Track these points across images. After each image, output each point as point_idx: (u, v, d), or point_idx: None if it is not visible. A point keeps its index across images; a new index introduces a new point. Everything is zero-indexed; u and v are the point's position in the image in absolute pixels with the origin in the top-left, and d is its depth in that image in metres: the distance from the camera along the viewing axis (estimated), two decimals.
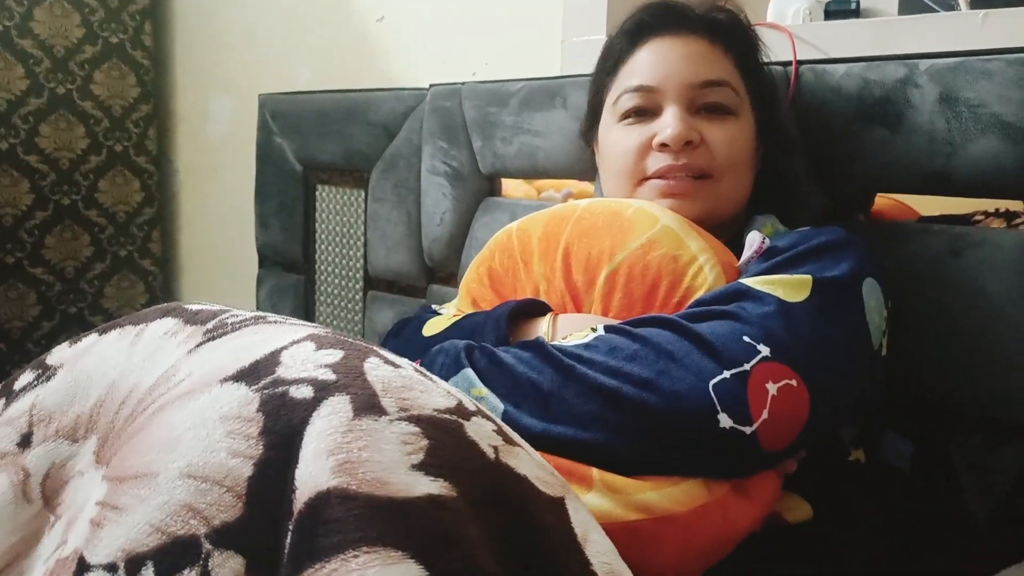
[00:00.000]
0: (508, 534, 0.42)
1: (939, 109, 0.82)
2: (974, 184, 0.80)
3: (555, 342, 0.68)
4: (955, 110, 0.81)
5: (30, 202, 1.85)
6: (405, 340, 0.85)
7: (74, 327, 1.91)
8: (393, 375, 0.45)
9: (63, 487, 0.47)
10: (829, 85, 0.89)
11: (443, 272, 1.32)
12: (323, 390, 0.43)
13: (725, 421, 0.60)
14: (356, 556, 0.37)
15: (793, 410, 0.62)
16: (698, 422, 0.60)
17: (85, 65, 1.90)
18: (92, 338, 0.54)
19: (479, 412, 0.47)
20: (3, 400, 0.53)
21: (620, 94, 0.85)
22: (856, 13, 1.13)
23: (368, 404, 0.42)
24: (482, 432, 0.45)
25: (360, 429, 0.41)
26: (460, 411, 0.45)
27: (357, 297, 1.48)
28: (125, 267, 2.02)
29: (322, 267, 1.55)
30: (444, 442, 0.42)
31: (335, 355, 0.45)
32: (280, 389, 0.43)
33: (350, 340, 0.48)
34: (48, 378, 0.52)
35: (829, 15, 1.13)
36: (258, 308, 1.64)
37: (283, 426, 0.41)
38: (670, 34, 0.84)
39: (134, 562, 0.40)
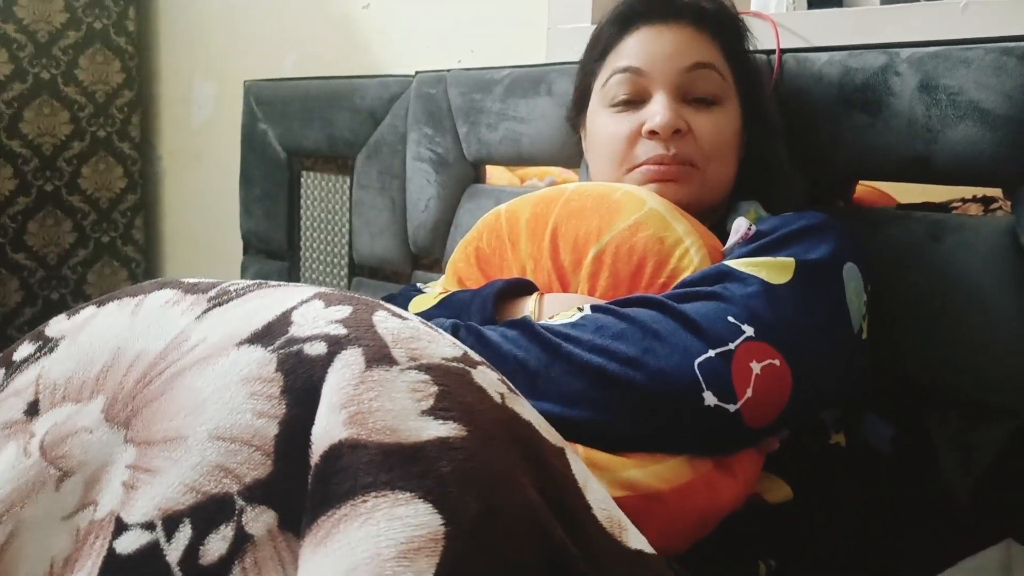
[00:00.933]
0: (520, 467, 0.43)
1: (919, 96, 0.83)
2: (953, 170, 0.81)
3: (542, 321, 0.69)
4: (934, 97, 0.82)
5: (13, 187, 1.84)
6: None
7: (56, 313, 1.89)
8: (402, 327, 0.46)
9: (62, 441, 0.48)
10: (811, 72, 0.90)
11: (428, 258, 1.33)
12: (336, 344, 0.44)
13: (710, 399, 0.61)
14: (365, 501, 0.38)
15: (776, 389, 0.64)
16: (683, 399, 0.61)
17: (69, 50, 1.89)
18: (91, 310, 0.54)
19: (484, 363, 0.48)
20: (2, 370, 0.53)
21: (609, 76, 0.86)
22: (839, 3, 1.14)
23: (379, 355, 0.43)
24: (488, 379, 0.46)
25: (372, 380, 0.42)
26: (467, 360, 0.46)
27: (342, 284, 1.48)
28: (107, 253, 2.01)
29: (307, 253, 1.54)
30: (453, 387, 0.43)
31: (344, 310, 0.46)
32: (295, 348, 0.44)
33: (357, 296, 0.49)
34: (51, 350, 0.52)
35: (813, 4, 1.14)
36: None
37: (302, 383, 0.43)
38: (658, 22, 0.85)
39: (171, 520, 0.41)
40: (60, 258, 1.93)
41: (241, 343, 0.45)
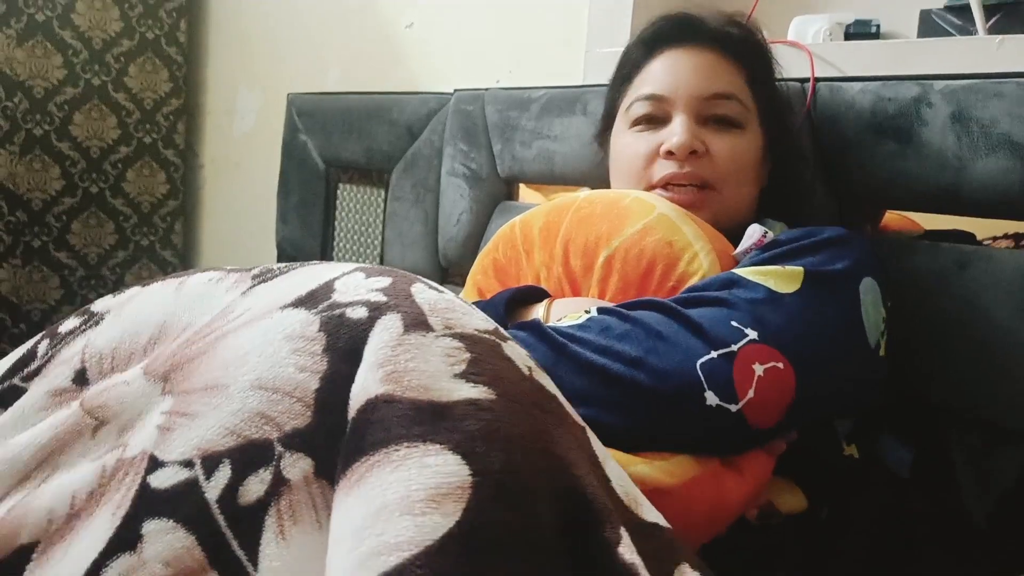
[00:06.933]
0: (547, 430, 0.44)
1: (950, 127, 0.83)
2: (982, 201, 0.82)
3: (550, 323, 0.70)
4: (966, 128, 0.82)
5: (60, 188, 1.89)
6: None
7: None
8: (438, 298, 0.48)
9: (99, 393, 0.50)
10: (843, 101, 0.91)
11: (458, 272, 1.34)
12: (376, 310, 0.46)
13: (711, 399, 0.62)
14: (397, 450, 0.40)
15: (779, 391, 0.64)
16: (685, 399, 0.62)
17: (121, 58, 1.95)
18: (135, 289, 0.57)
19: (512, 338, 0.50)
20: (48, 341, 0.56)
21: (632, 101, 0.88)
22: (876, 36, 1.15)
23: (416, 321, 0.45)
24: (516, 353, 0.48)
25: (408, 343, 0.44)
26: (497, 334, 0.49)
27: None
28: (146, 256, 2.05)
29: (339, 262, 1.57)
30: (485, 355, 0.45)
31: (384, 281, 0.49)
32: (337, 311, 0.47)
33: (395, 270, 0.52)
34: (96, 323, 0.55)
35: (849, 37, 1.15)
36: None
37: (344, 343, 0.45)
38: (684, 46, 0.87)
39: (211, 459, 0.43)
40: (100, 258, 1.98)
41: (285, 306, 0.48)
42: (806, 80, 0.95)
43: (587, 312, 0.69)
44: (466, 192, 1.29)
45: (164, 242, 2.08)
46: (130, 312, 0.54)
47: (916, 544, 0.78)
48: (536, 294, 0.79)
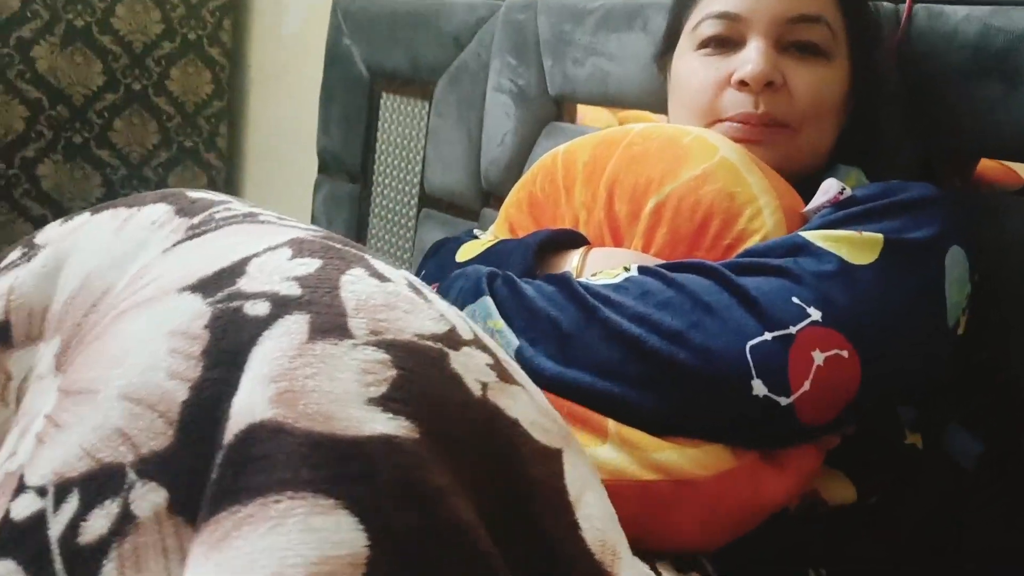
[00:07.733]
0: (482, 483, 0.36)
1: None
2: None
3: (583, 279, 0.62)
4: None
5: (101, 83, 1.84)
6: (438, 263, 0.80)
7: None
8: (375, 291, 0.39)
9: (30, 392, 0.45)
10: (944, 30, 0.79)
11: (499, 196, 1.26)
12: (281, 307, 0.37)
13: (759, 388, 0.54)
14: (278, 502, 0.32)
15: (840, 384, 0.56)
16: (728, 386, 0.54)
17: None
18: (84, 217, 0.50)
19: (475, 342, 0.41)
20: None
21: (701, 19, 0.77)
22: None
23: (330, 325, 0.36)
24: (471, 365, 0.39)
25: (312, 354, 0.35)
26: (450, 339, 0.39)
27: (411, 214, 1.44)
28: (190, 158, 2.00)
29: (379, 179, 1.50)
30: (418, 373, 0.36)
31: (310, 265, 0.39)
32: (235, 304, 0.38)
33: (337, 247, 0.42)
34: (30, 259, 0.48)
35: None
36: (312, 216, 1.61)
37: (227, 346, 0.36)
38: None
39: (63, 487, 0.36)
40: (143, 158, 1.94)
41: (184, 289, 0.39)
42: (901, 1, 0.83)
43: (626, 270, 0.61)
44: (512, 111, 1.20)
45: (208, 145, 2.02)
46: (65, 250, 0.47)
47: (969, 545, 0.70)
48: (573, 239, 0.71)
